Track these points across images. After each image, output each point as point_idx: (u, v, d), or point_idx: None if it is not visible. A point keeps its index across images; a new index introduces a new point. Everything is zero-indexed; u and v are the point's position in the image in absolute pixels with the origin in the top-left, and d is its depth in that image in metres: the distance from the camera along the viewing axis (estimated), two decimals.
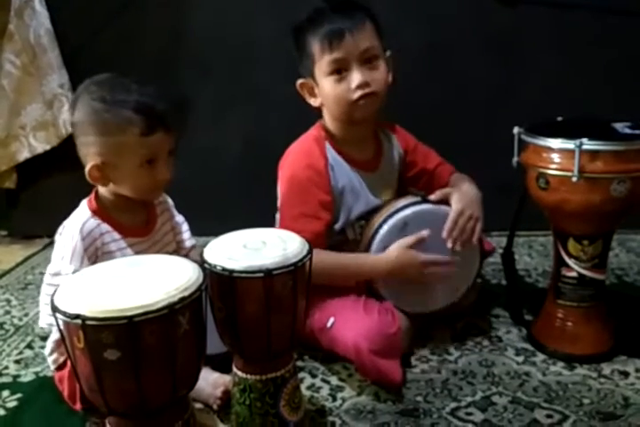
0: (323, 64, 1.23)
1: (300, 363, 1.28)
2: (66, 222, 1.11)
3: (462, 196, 1.28)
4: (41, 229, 2.09)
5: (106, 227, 1.09)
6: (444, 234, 1.26)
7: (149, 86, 1.07)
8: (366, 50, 1.23)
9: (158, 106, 1.05)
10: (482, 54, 1.87)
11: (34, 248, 2.06)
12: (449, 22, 1.86)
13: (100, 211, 1.10)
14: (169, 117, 1.07)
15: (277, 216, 1.35)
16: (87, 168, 1.06)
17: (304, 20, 1.27)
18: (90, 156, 1.06)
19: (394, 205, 1.30)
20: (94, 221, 1.08)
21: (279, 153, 1.35)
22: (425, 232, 1.24)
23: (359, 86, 1.22)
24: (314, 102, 1.31)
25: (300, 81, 1.30)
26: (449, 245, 1.26)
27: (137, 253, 1.10)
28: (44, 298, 1.09)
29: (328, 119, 1.33)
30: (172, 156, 1.11)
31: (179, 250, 1.24)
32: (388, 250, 1.26)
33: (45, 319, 1.07)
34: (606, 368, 1.24)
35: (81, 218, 1.08)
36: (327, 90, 1.25)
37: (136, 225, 1.15)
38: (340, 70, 1.23)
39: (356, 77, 1.22)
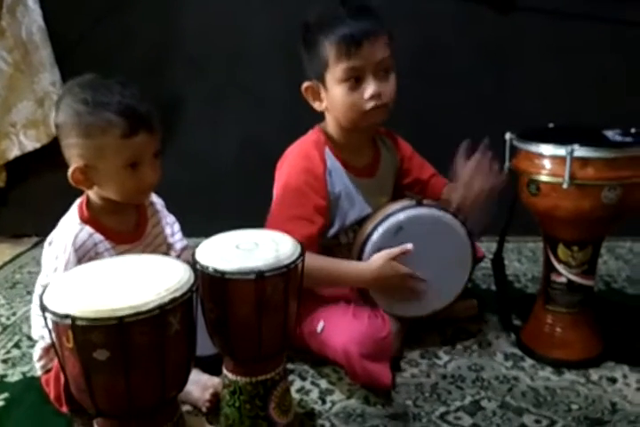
0: (337, 71, 1.20)
1: (289, 366, 1.28)
2: (55, 232, 1.08)
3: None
4: (30, 228, 2.08)
5: (99, 236, 1.07)
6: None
7: (133, 87, 1.04)
8: (382, 60, 1.21)
9: (141, 107, 1.03)
10: (475, 60, 1.88)
11: (22, 247, 2.04)
12: (442, 28, 1.86)
13: (92, 218, 1.08)
14: (153, 119, 1.05)
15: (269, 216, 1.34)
16: (70, 171, 1.05)
17: (317, 20, 1.23)
18: (73, 158, 1.05)
19: (387, 209, 1.29)
20: (87, 232, 1.06)
21: (273, 153, 1.34)
22: (409, 245, 1.23)
23: (372, 97, 1.20)
24: (318, 106, 1.29)
25: (305, 84, 1.27)
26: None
27: None
28: (36, 309, 1.06)
29: (330, 124, 1.31)
30: (159, 157, 1.08)
31: (170, 252, 1.23)
32: (372, 259, 1.24)
33: (38, 331, 1.06)
34: (594, 374, 1.25)
35: (73, 228, 1.06)
36: (338, 97, 1.22)
37: (127, 230, 1.13)
38: (354, 78, 1.20)
39: (370, 88, 1.20)
